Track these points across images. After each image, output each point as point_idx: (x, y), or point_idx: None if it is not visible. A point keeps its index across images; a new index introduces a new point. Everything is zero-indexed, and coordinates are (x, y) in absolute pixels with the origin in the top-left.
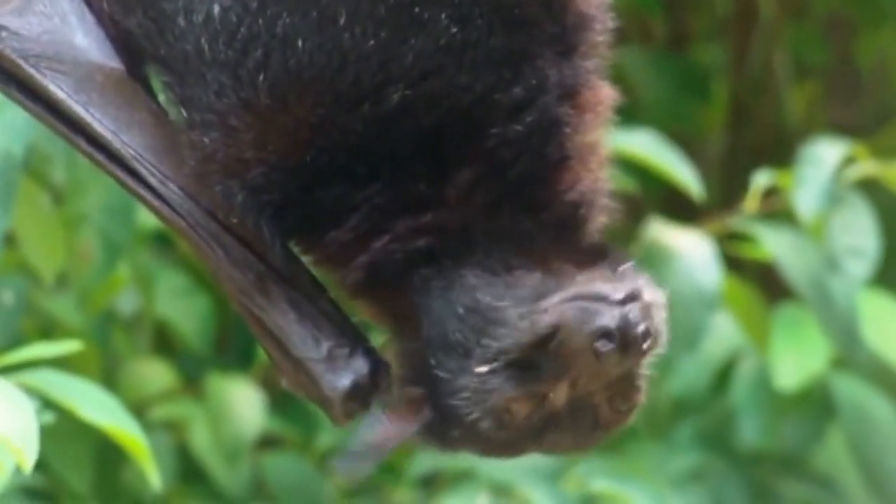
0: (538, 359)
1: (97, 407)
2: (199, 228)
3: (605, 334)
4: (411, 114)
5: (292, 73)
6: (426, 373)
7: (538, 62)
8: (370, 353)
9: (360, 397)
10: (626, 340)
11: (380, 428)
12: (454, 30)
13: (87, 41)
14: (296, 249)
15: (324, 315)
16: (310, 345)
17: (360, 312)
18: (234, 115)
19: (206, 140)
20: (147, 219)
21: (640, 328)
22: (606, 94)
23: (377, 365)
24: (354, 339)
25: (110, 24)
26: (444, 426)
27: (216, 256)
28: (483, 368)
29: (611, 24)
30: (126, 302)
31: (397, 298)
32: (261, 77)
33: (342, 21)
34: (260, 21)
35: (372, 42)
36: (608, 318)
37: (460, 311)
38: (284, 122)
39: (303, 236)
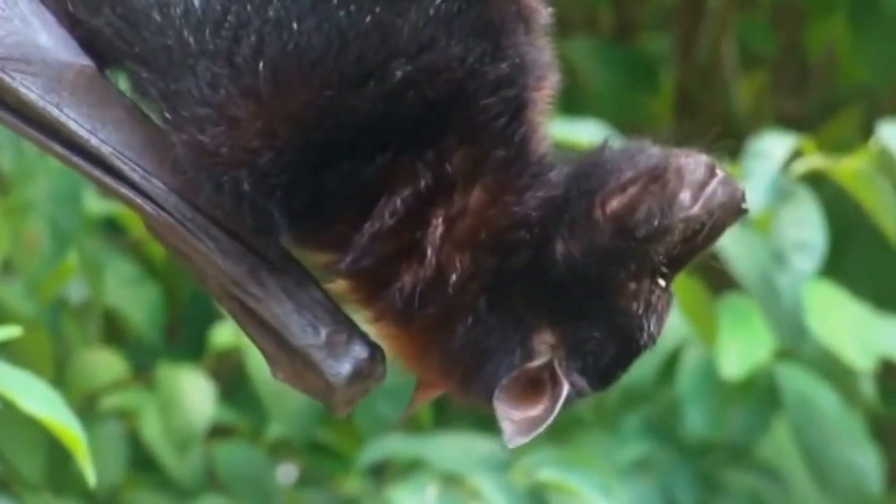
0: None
1: (38, 399)
2: (187, 222)
3: (743, 195)
4: (415, 88)
5: (292, 57)
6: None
7: (514, 38)
8: (366, 338)
9: (361, 383)
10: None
11: (519, 416)
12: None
13: (51, 41)
14: (319, 256)
15: (317, 303)
16: (309, 332)
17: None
18: (234, 105)
19: (205, 138)
20: (95, 206)
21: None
22: (553, 84)
23: (374, 351)
24: (349, 325)
25: (74, 25)
26: (609, 370)
27: (206, 249)
28: (661, 282)
29: (549, 18)
30: (75, 290)
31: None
32: (261, 64)
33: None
34: (248, 7)
35: (369, 18)
36: (737, 184)
37: (613, 249)
38: (291, 108)
39: (320, 230)
